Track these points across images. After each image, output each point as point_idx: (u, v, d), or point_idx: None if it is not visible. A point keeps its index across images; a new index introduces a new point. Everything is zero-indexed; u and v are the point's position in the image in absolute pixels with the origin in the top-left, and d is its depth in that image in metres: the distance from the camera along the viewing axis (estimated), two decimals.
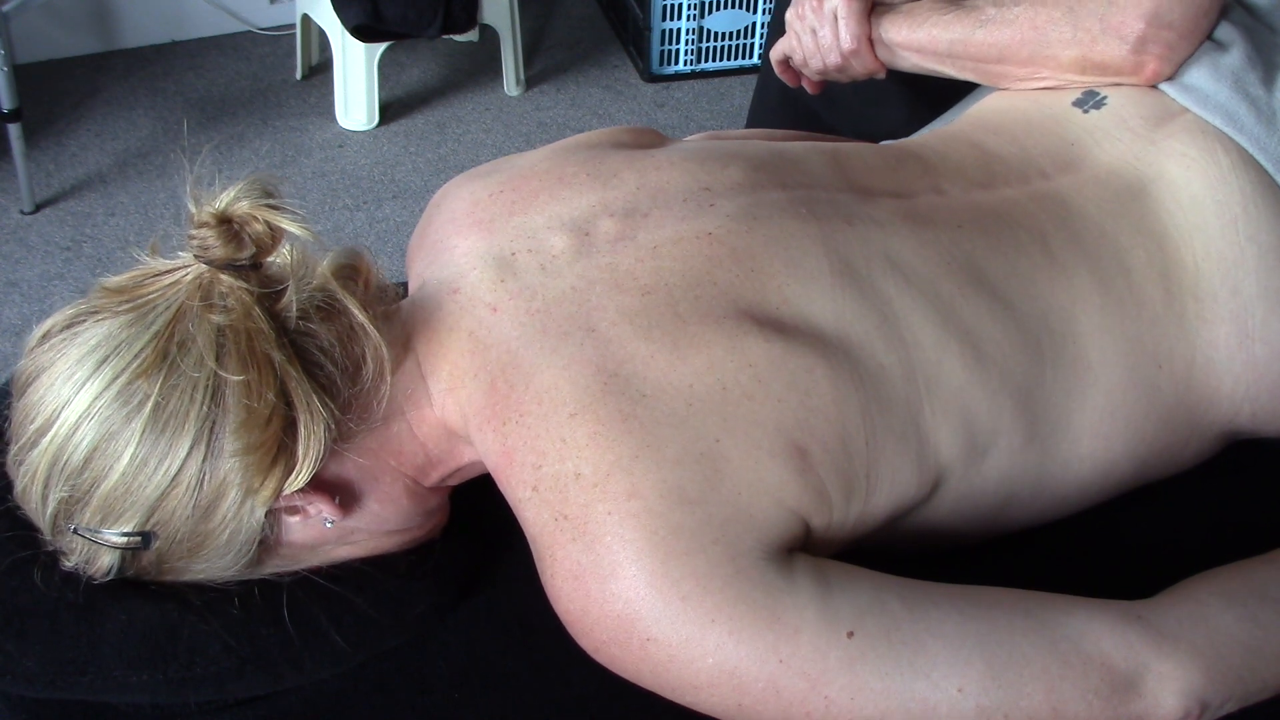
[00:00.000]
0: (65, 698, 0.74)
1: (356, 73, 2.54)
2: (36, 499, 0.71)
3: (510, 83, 2.73)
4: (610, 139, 0.88)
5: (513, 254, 0.76)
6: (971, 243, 0.80)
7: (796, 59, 1.14)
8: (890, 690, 0.65)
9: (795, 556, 0.68)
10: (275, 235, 0.70)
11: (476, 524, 0.83)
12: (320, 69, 2.79)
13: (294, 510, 0.72)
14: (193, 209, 0.70)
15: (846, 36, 1.05)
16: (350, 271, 0.75)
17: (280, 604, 0.74)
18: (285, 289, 0.70)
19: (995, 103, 0.99)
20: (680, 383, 0.68)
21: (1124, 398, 0.80)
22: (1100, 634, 0.68)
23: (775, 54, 1.17)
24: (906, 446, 0.73)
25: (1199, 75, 0.89)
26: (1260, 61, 0.90)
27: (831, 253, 0.76)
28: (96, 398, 0.67)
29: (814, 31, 1.09)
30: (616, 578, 0.65)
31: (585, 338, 0.70)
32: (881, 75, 1.08)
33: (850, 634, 0.65)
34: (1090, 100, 0.93)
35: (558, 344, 0.70)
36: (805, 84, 1.18)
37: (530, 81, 2.78)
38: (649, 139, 0.91)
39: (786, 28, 1.14)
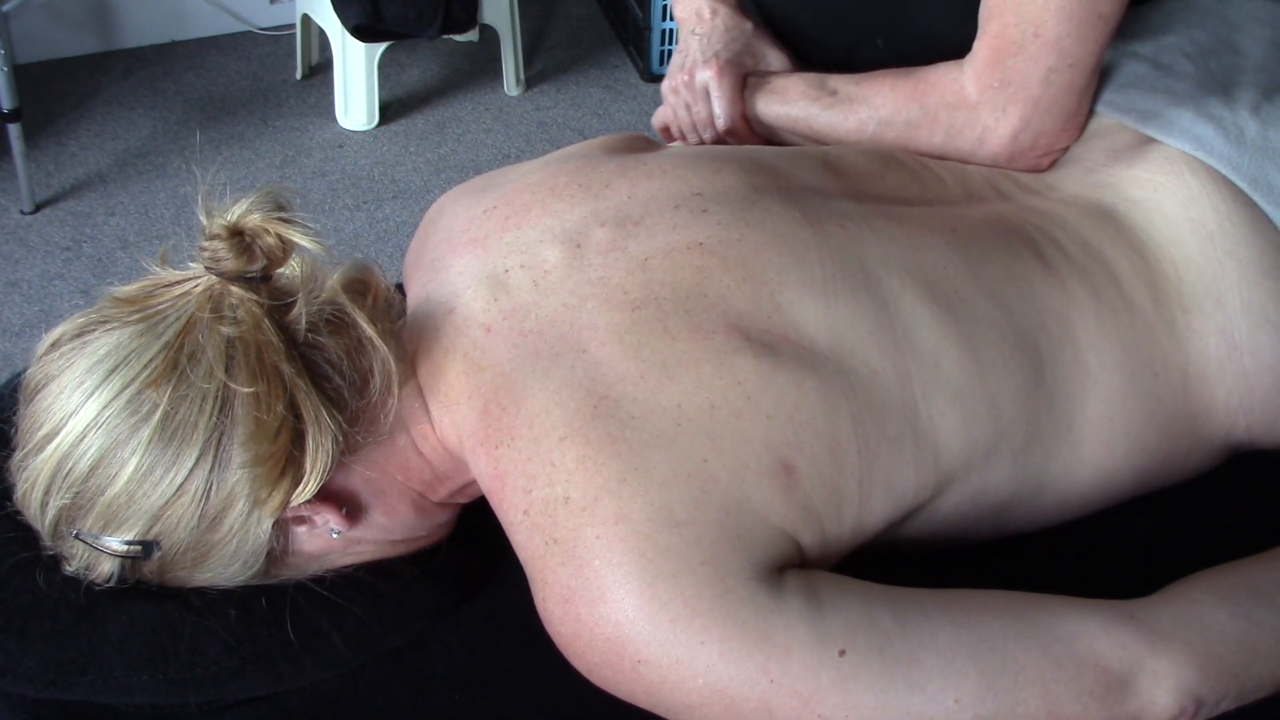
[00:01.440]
0: (66, 698, 0.74)
1: (356, 73, 2.54)
2: (36, 504, 0.71)
3: (510, 83, 2.73)
4: (603, 147, 0.88)
5: (506, 271, 0.76)
6: (966, 248, 0.80)
7: (674, 131, 1.10)
8: (885, 707, 0.65)
9: (786, 574, 0.68)
10: (286, 248, 0.70)
11: (478, 527, 0.84)
12: (320, 69, 2.79)
13: (300, 520, 0.73)
14: (204, 221, 0.70)
15: (721, 116, 1.02)
16: (360, 286, 0.75)
17: (281, 605, 0.75)
18: (295, 301, 0.71)
19: None
20: (669, 402, 0.68)
21: (1123, 404, 0.80)
22: (1093, 635, 0.68)
23: (656, 122, 1.13)
24: (902, 452, 0.73)
25: (1158, 102, 0.90)
26: (1217, 83, 0.90)
27: (826, 258, 0.76)
28: (105, 406, 0.67)
29: (689, 107, 1.05)
30: (605, 601, 0.65)
31: (576, 359, 0.70)
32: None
33: (842, 652, 0.65)
34: None
35: (549, 366, 0.70)
36: None
37: (530, 81, 2.78)
38: (640, 146, 0.90)
39: (663, 99, 1.10)
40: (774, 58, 1.06)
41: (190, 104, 2.65)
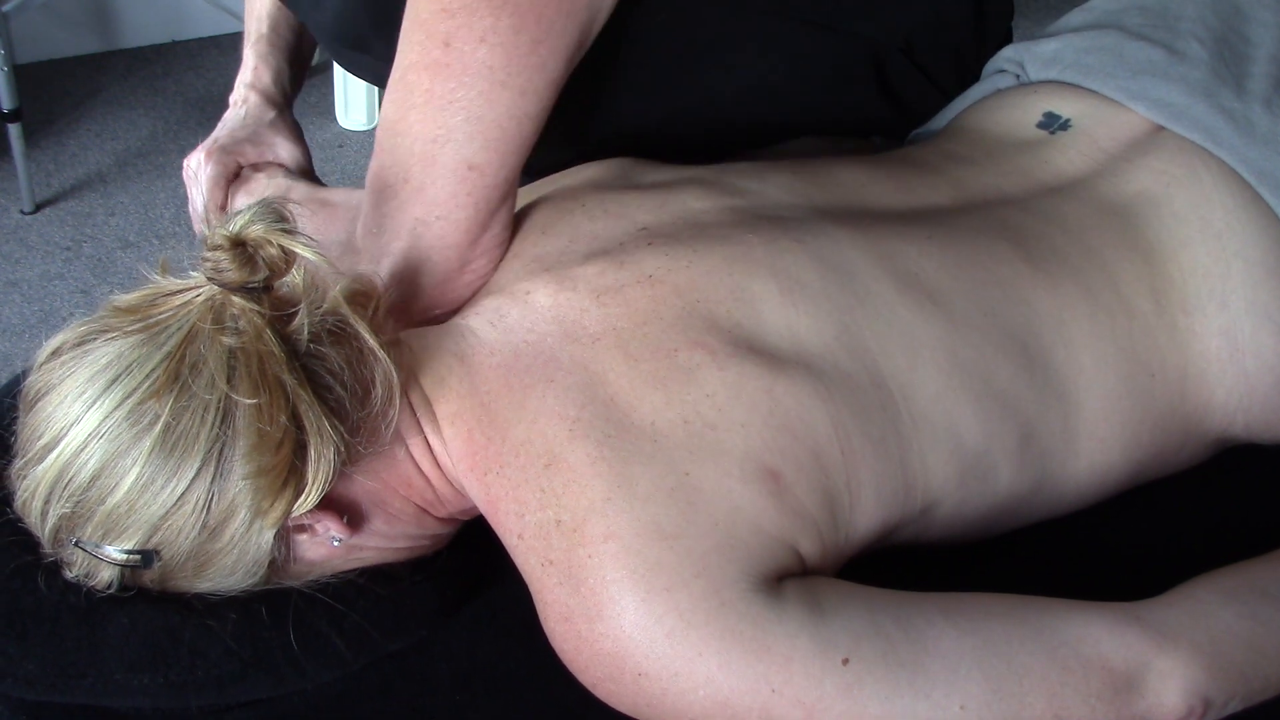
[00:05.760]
0: (66, 701, 0.73)
1: None
2: (36, 513, 0.71)
3: None
4: (589, 178, 0.88)
5: (463, 314, 0.77)
6: (941, 253, 0.80)
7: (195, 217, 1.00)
8: (891, 714, 0.65)
9: (786, 583, 0.68)
10: (289, 259, 0.70)
11: (478, 529, 0.83)
12: (320, 69, 2.78)
13: (302, 529, 0.73)
14: (206, 231, 0.70)
15: (198, 203, 0.94)
16: (362, 297, 0.75)
17: (282, 608, 0.75)
18: (297, 312, 0.71)
19: (962, 122, 0.99)
20: (642, 422, 0.69)
21: (1119, 404, 0.80)
22: (1099, 636, 0.68)
23: None
24: (887, 451, 0.73)
25: (1171, 91, 0.89)
26: (1230, 73, 0.90)
27: (780, 272, 0.76)
28: (106, 417, 0.67)
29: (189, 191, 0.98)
30: (602, 618, 0.66)
31: (546, 389, 0.71)
32: None
33: (846, 660, 0.65)
34: (1054, 122, 0.93)
35: (523, 399, 0.71)
36: None
37: None
38: (623, 172, 0.89)
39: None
40: (284, 149, 0.98)
41: (190, 104, 2.65)
